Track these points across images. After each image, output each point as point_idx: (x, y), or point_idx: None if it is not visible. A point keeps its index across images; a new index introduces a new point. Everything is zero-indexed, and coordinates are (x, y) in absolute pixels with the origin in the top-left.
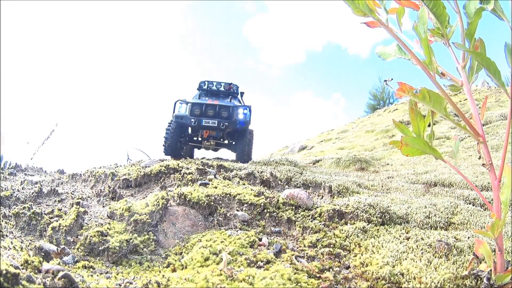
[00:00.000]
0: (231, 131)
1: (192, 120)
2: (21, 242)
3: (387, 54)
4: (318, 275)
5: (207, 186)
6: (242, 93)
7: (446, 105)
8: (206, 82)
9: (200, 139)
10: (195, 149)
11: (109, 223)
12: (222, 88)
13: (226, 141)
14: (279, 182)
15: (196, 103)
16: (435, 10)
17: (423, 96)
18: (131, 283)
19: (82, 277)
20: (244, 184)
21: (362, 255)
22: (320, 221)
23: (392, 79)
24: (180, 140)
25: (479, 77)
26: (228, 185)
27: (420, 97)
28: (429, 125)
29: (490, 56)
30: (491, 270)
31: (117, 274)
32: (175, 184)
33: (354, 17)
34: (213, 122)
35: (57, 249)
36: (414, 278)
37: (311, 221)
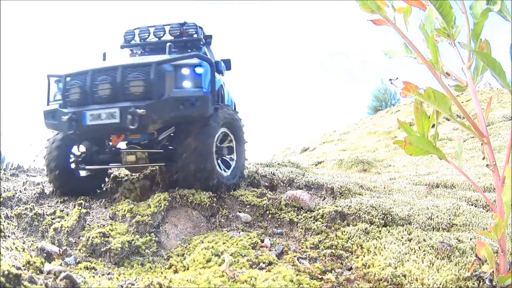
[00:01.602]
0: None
1: (64, 118)
2: (23, 243)
3: (394, 52)
4: (320, 277)
5: None
6: (208, 38)
7: (451, 105)
8: (137, 32)
9: (111, 153)
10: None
11: (111, 224)
12: (167, 36)
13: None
14: (282, 183)
15: (75, 74)
16: (441, 10)
17: (428, 95)
18: (133, 285)
19: (84, 278)
20: (246, 185)
21: (364, 256)
22: (322, 223)
23: (397, 78)
24: (75, 160)
25: (482, 78)
26: None
27: (425, 97)
28: (433, 126)
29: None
30: (493, 271)
31: (119, 275)
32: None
33: (360, 20)
34: (108, 113)
35: (59, 250)
36: (416, 280)
37: (313, 223)
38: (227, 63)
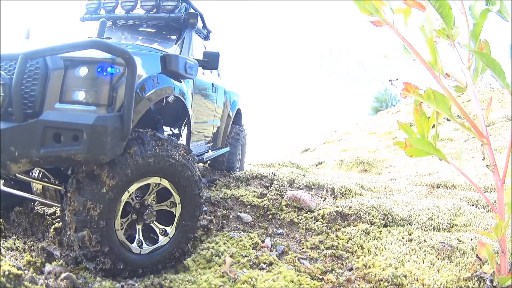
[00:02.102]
0: None
1: None
2: (24, 243)
3: (393, 54)
4: (320, 277)
5: (211, 187)
6: (191, 17)
7: (451, 106)
8: (103, 1)
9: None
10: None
11: None
12: (140, 10)
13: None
14: (282, 184)
15: None
16: (441, 11)
17: (428, 96)
18: (133, 285)
19: (85, 278)
20: (247, 186)
21: (364, 257)
22: (322, 223)
23: (397, 78)
24: None
25: (482, 79)
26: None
27: (425, 97)
28: (433, 126)
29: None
30: (494, 272)
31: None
32: None
33: (359, 19)
34: None
35: (60, 250)
36: (417, 280)
37: (314, 223)
38: (213, 59)
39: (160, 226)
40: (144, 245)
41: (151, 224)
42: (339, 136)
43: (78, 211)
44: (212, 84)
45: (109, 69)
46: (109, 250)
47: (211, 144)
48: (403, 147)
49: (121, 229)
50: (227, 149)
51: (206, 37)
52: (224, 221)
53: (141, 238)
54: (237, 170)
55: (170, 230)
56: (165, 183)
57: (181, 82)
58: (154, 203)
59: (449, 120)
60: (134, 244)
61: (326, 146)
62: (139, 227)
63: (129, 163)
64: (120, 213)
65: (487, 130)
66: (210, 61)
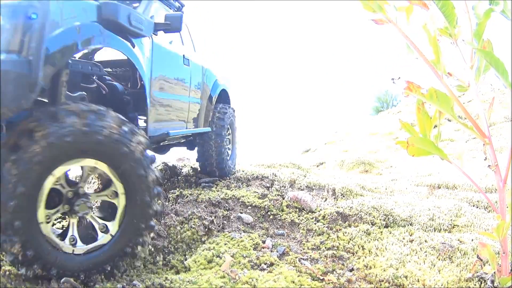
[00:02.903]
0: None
1: None
2: None
3: (394, 52)
4: (321, 278)
5: (211, 188)
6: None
7: (453, 106)
8: None
9: None
10: None
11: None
12: None
13: None
14: (283, 184)
15: None
16: (444, 10)
17: (431, 95)
18: (134, 286)
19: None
20: (248, 186)
21: (365, 257)
22: (323, 224)
23: (399, 77)
24: None
25: (485, 78)
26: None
27: (428, 97)
28: (435, 126)
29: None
30: (495, 272)
31: (121, 276)
32: (179, 186)
33: (361, 19)
34: None
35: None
36: (418, 281)
37: (315, 224)
38: (175, 20)
39: (100, 221)
40: (79, 243)
41: (90, 218)
42: (340, 136)
43: None
44: (184, 56)
45: (21, 13)
46: (35, 253)
47: (187, 124)
48: (405, 147)
49: (47, 222)
50: (208, 129)
51: (178, 10)
52: (225, 222)
53: (75, 234)
54: (229, 163)
55: (112, 226)
56: (103, 167)
57: (128, 40)
58: (93, 192)
59: (450, 121)
60: (66, 241)
61: (327, 147)
62: (73, 221)
63: (41, 145)
64: (43, 203)
65: (489, 130)
66: (172, 23)
